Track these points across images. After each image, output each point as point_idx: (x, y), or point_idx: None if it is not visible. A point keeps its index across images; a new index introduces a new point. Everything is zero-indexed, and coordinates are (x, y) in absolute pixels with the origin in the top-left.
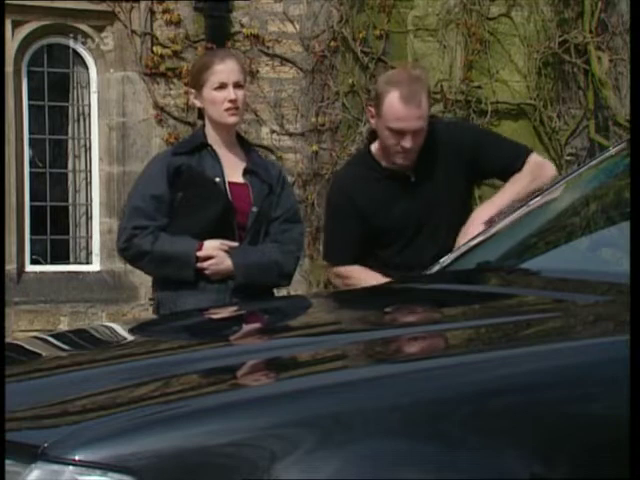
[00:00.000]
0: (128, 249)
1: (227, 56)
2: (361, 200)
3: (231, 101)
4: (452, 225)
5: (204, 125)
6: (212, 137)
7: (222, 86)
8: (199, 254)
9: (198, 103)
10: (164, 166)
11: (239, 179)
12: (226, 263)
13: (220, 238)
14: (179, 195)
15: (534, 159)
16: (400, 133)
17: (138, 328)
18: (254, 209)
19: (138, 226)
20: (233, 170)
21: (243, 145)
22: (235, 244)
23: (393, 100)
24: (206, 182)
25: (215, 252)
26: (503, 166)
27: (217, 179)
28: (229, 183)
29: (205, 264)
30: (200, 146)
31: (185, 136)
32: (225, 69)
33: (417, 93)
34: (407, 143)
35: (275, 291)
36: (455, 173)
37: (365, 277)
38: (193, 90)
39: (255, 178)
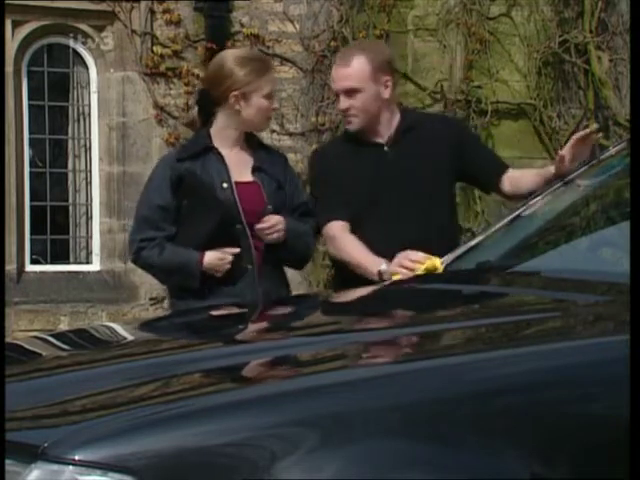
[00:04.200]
0: (137, 261)
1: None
2: (335, 167)
3: (274, 109)
4: (427, 215)
5: (208, 126)
6: (219, 139)
7: (270, 94)
8: (203, 268)
9: (238, 106)
10: (167, 173)
11: (248, 178)
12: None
13: (225, 244)
14: (184, 203)
15: (511, 172)
16: (337, 95)
17: (139, 327)
18: (269, 207)
19: (145, 238)
20: (241, 170)
21: (249, 142)
22: (237, 250)
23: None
24: (208, 190)
25: (216, 262)
26: (485, 171)
27: (225, 184)
28: (237, 184)
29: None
30: (204, 149)
31: (187, 138)
32: (274, 77)
33: (349, 55)
34: (340, 104)
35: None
36: (440, 165)
37: (350, 240)
38: (237, 93)
39: (264, 175)
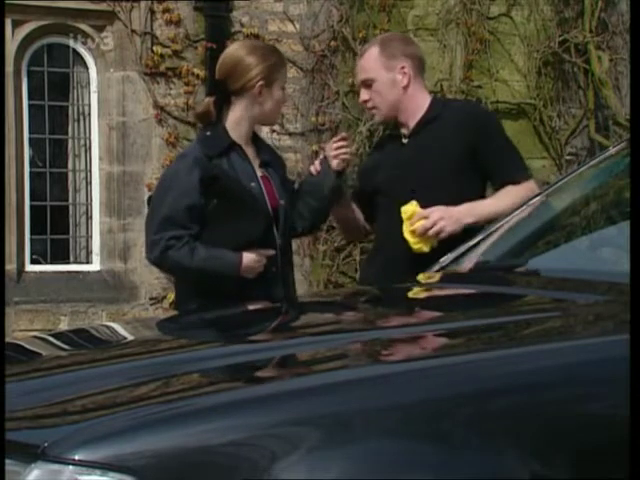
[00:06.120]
0: (163, 261)
1: None
2: (368, 160)
3: (284, 101)
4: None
5: (223, 123)
6: (237, 135)
7: (284, 86)
8: (241, 271)
9: (261, 97)
10: (197, 173)
11: (259, 173)
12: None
13: (261, 245)
14: (214, 202)
15: (532, 185)
16: (359, 89)
17: (141, 327)
18: (282, 202)
19: (172, 236)
20: (255, 165)
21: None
22: (272, 252)
23: None
24: (247, 193)
25: (253, 265)
26: (499, 170)
27: (253, 184)
28: (262, 179)
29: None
30: (229, 146)
31: (206, 133)
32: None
33: (365, 48)
34: (360, 96)
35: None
36: (449, 161)
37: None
38: (263, 82)
39: (271, 169)
